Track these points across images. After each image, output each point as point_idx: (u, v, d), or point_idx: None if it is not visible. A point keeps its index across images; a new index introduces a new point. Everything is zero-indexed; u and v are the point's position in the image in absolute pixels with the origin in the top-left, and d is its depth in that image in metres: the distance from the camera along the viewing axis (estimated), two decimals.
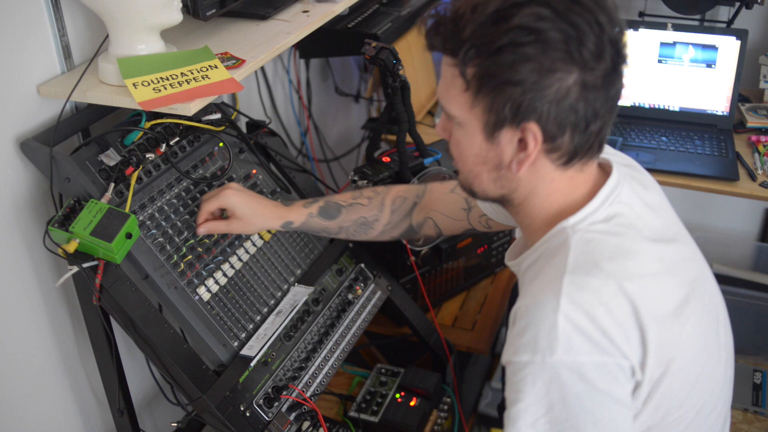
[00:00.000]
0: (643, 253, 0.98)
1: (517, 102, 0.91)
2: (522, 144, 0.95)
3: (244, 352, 1.34)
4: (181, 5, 1.24)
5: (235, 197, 1.34)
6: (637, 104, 2.18)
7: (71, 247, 1.17)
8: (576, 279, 0.93)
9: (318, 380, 1.43)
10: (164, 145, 1.34)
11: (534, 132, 0.93)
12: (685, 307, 1.00)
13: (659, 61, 2.13)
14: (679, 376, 0.98)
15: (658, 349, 0.94)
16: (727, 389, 1.12)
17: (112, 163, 1.27)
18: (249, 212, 1.35)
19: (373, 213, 1.42)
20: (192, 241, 1.36)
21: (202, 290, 1.33)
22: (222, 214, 1.38)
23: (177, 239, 1.34)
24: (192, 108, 1.20)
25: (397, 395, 1.62)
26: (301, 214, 1.41)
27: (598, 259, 0.95)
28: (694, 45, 2.09)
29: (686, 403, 1.01)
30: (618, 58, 0.92)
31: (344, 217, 1.42)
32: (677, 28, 2.11)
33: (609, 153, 1.12)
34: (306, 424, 1.37)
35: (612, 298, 0.92)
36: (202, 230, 1.35)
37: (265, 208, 1.38)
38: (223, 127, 1.47)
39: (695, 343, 1.01)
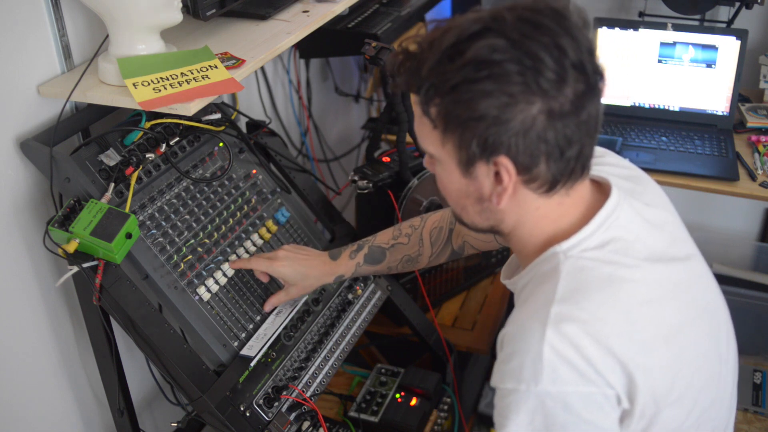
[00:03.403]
0: (636, 281, 0.96)
1: (482, 137, 0.89)
2: (498, 177, 0.93)
3: (244, 352, 1.34)
4: (181, 5, 1.24)
5: (285, 269, 1.40)
6: (637, 104, 2.18)
7: (71, 247, 1.17)
8: (563, 310, 0.91)
9: (318, 380, 1.43)
10: (164, 145, 1.34)
11: (506, 165, 0.90)
12: (683, 331, 0.98)
13: (659, 61, 2.13)
14: (678, 403, 0.96)
15: (648, 384, 0.92)
16: (731, 408, 1.11)
17: (112, 163, 1.27)
18: (301, 278, 1.41)
19: (414, 249, 1.45)
20: (192, 241, 1.36)
21: (202, 290, 1.33)
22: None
23: (177, 239, 1.34)
24: (192, 108, 1.20)
25: (397, 395, 1.62)
26: (349, 267, 1.45)
27: (588, 290, 0.93)
28: (694, 45, 2.09)
29: (685, 424, 0.99)
30: (585, 80, 0.88)
31: (390, 259, 1.46)
32: (677, 28, 2.10)
33: (612, 164, 1.09)
34: (306, 424, 1.37)
35: (599, 330, 0.91)
36: (268, 307, 1.43)
37: (315, 269, 1.43)
38: (223, 127, 1.47)
39: (694, 369, 0.99)
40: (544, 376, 0.89)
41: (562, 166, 0.92)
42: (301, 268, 1.41)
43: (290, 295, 1.43)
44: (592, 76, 0.88)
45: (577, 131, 0.90)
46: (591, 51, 0.88)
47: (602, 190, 1.03)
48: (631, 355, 0.91)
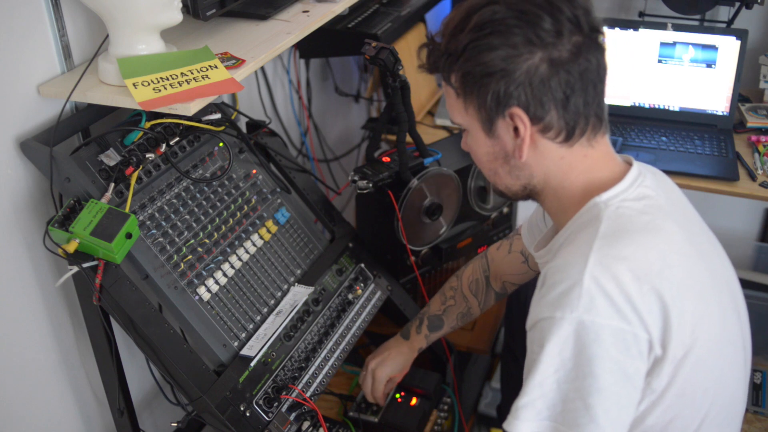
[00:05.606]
0: (672, 232, 1.01)
1: (495, 92, 0.98)
2: (517, 132, 1.01)
3: (244, 352, 1.34)
4: (181, 5, 1.24)
5: (386, 370, 1.57)
6: (637, 104, 2.18)
7: (71, 247, 1.17)
8: (606, 243, 0.96)
9: (318, 380, 1.43)
10: (164, 145, 1.34)
11: (519, 115, 0.99)
12: (710, 294, 1.02)
13: (659, 61, 2.13)
14: (702, 361, 0.99)
15: (681, 326, 0.95)
16: (745, 392, 1.13)
17: (112, 163, 1.27)
18: (400, 368, 1.58)
19: (463, 305, 1.57)
20: (192, 241, 1.36)
21: (202, 290, 1.33)
22: None
23: (177, 239, 1.34)
24: (192, 108, 1.20)
25: (397, 395, 1.62)
26: (421, 339, 1.59)
27: (630, 230, 0.98)
28: (694, 45, 2.09)
29: (709, 393, 1.01)
30: (582, 33, 0.96)
31: (448, 322, 1.58)
32: (677, 28, 2.10)
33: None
34: (306, 424, 1.37)
35: (640, 267, 0.94)
36: (384, 400, 1.60)
37: (401, 355, 1.58)
38: (223, 127, 1.47)
39: (718, 332, 1.02)
40: (580, 305, 0.92)
41: (572, 113, 0.99)
42: (395, 362, 1.57)
43: (396, 382, 1.61)
44: (588, 31, 0.97)
45: (579, 79, 0.97)
46: (586, 9, 0.97)
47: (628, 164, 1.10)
48: (670, 294, 0.94)
